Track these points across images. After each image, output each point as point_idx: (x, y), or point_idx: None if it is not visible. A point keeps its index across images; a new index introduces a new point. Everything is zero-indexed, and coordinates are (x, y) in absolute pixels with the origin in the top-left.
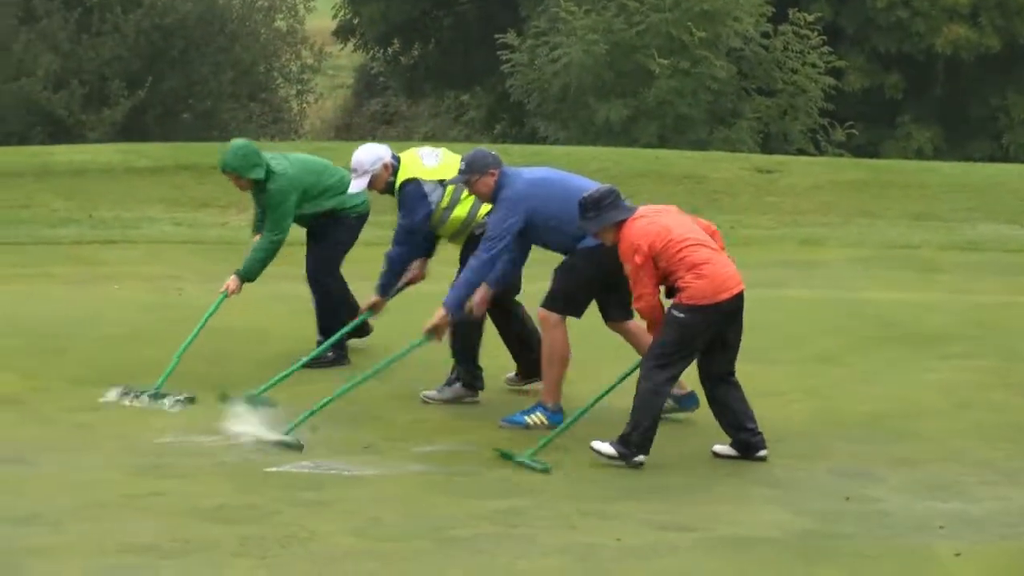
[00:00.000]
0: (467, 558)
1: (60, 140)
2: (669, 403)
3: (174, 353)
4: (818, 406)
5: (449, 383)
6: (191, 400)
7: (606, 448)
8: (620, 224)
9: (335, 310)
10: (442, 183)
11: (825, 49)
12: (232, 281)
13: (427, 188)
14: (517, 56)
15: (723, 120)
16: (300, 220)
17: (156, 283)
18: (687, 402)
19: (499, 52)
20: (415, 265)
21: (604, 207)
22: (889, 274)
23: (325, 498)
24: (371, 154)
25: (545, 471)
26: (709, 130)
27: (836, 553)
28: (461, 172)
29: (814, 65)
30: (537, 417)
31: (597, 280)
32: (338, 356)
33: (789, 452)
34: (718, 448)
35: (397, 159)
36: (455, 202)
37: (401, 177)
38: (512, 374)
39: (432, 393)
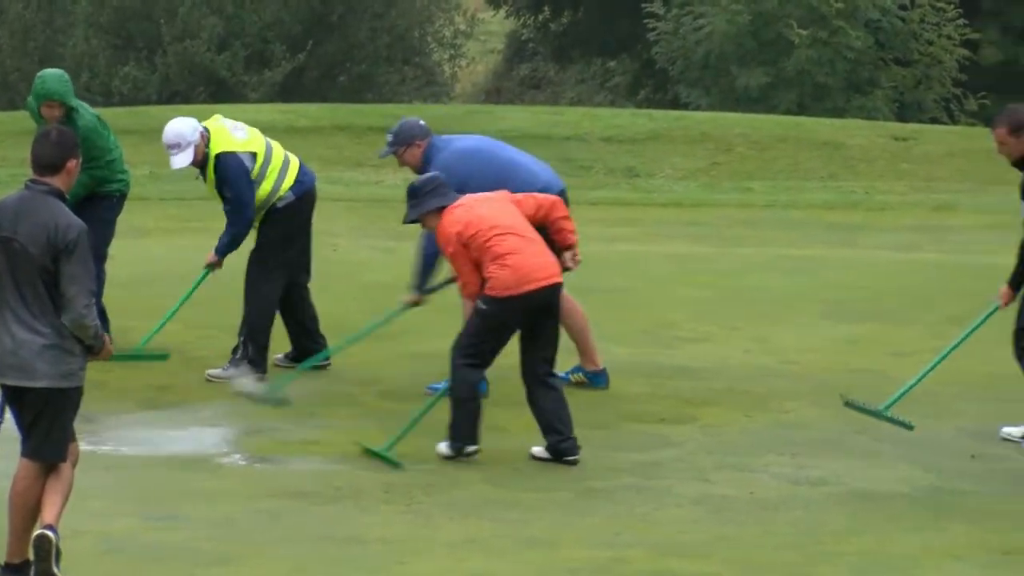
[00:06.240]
0: (605, 508)
1: (222, 100)
2: (579, 376)
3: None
4: (947, 367)
5: (234, 362)
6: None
7: (443, 449)
8: (440, 211)
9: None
10: (252, 155)
11: (961, 22)
12: None
13: (243, 159)
14: (662, 25)
15: (860, 89)
16: None
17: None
18: (598, 379)
19: (645, 20)
20: None
21: (424, 194)
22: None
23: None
24: (189, 125)
25: (398, 467)
26: (846, 98)
27: (963, 508)
28: (389, 144)
29: (949, 37)
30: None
31: None
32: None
33: (918, 411)
34: (535, 450)
35: (207, 130)
36: (261, 177)
37: (215, 149)
38: (281, 355)
39: (217, 372)
